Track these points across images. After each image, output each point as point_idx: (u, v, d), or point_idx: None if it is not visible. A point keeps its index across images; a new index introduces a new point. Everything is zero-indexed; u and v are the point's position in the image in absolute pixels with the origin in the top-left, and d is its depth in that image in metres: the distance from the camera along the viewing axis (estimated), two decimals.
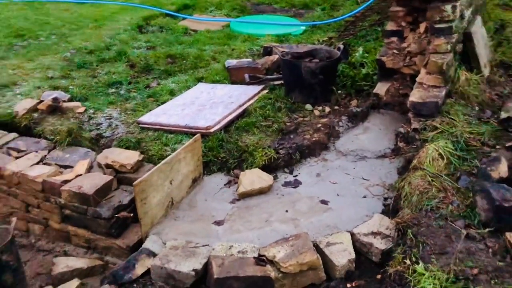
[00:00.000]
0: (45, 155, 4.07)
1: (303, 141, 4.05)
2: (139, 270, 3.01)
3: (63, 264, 3.36)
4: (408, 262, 2.62)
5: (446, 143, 3.43)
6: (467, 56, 4.33)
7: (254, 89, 4.96)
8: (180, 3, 8.20)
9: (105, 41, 6.50)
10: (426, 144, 3.49)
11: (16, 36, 6.74)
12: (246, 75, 5.21)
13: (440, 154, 3.32)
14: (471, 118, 3.79)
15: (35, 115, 4.60)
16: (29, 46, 6.44)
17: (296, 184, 3.75)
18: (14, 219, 3.00)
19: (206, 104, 4.68)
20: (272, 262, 2.89)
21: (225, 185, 3.82)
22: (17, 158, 3.97)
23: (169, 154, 3.70)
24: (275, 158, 3.88)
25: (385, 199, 3.48)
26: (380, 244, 2.97)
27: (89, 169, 3.86)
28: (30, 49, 6.32)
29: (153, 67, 5.80)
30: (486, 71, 4.35)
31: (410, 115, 3.90)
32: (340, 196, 3.57)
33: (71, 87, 5.20)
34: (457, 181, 3.15)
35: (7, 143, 4.23)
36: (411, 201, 3.05)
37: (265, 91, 4.92)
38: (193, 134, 4.02)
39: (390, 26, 4.56)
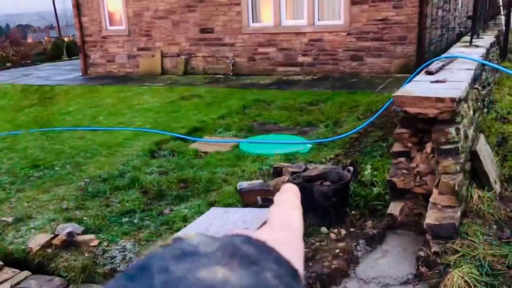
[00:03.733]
0: None
1: (322, 269, 3.96)
2: None
3: None
4: None
5: (470, 268, 3.35)
6: (476, 174, 4.42)
7: (267, 212, 4.97)
8: (190, 126, 8.57)
9: (118, 168, 6.67)
10: (450, 270, 3.40)
11: (32, 166, 6.95)
12: (259, 198, 5.26)
13: (466, 281, 3.23)
14: (491, 238, 3.75)
15: (49, 250, 4.58)
16: (45, 176, 6.61)
17: None
18: None
19: (220, 231, 4.65)
20: None
21: None
22: None
23: None
24: None
25: None
26: None
27: None
28: (46, 179, 6.49)
29: (166, 192, 5.89)
30: (497, 187, 4.40)
31: (429, 237, 3.86)
32: None
33: (85, 218, 5.24)
34: None
35: (18, 283, 4.15)
36: None
37: None
38: None
39: (396, 147, 4.70)
